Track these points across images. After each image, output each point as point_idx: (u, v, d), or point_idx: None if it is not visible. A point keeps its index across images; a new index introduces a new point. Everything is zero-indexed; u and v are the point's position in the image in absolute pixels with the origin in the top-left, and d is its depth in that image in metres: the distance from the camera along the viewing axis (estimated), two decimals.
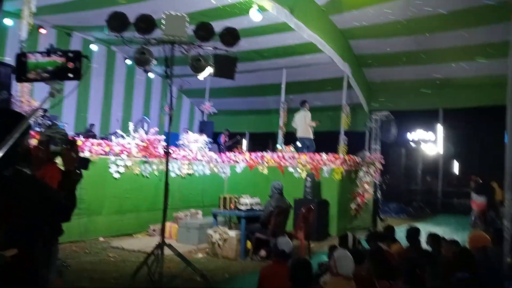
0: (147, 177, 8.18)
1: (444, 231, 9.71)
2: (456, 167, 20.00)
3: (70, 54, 2.10)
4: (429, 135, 15.47)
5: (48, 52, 2.13)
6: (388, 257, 4.64)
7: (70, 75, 2.09)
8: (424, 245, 5.56)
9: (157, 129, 9.57)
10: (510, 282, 4.34)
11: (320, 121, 11.08)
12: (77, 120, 12.40)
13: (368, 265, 4.01)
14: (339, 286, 3.38)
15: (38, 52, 2.13)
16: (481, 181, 11.34)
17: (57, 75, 2.10)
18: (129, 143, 7.99)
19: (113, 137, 9.97)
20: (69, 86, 2.40)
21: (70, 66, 2.09)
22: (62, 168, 2.50)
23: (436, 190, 16.33)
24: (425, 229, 8.93)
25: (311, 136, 10.84)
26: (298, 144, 10.98)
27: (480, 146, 18.66)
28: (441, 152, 15.89)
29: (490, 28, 9.81)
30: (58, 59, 2.10)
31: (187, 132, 10.93)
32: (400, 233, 5.80)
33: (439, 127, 15.59)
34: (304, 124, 10.77)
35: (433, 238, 5.35)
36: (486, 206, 10.51)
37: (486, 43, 10.49)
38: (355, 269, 3.56)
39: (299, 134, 10.89)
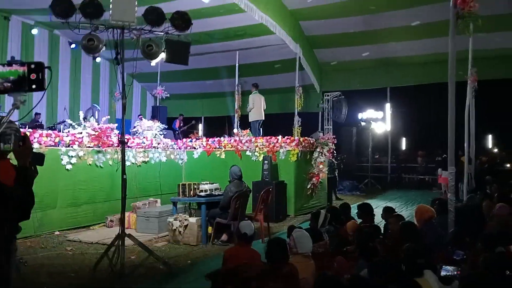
0: (101, 167, 8.01)
1: (395, 206, 10.32)
2: (403, 144, 21.08)
3: (32, 66, 2.12)
4: (378, 114, 16.13)
5: (10, 63, 2.14)
6: (343, 234, 4.94)
7: (34, 86, 2.12)
8: (379, 219, 5.94)
9: (108, 117, 9.37)
10: (453, 247, 4.75)
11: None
12: (21, 109, 11.75)
13: (325, 242, 4.24)
14: (299, 264, 3.57)
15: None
16: (445, 156, 11.98)
17: (20, 85, 2.12)
18: (80, 133, 7.76)
19: (61, 127, 9.67)
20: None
21: (33, 78, 2.10)
22: (15, 163, 2.45)
23: (386, 166, 17.18)
24: (377, 205, 9.47)
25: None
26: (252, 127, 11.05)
27: (425, 122, 19.74)
28: (389, 129, 16.64)
29: (432, 7, 10.32)
30: (19, 69, 2.11)
31: (141, 118, 10.73)
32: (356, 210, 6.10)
33: (387, 106, 16.28)
34: (261, 107, 10.97)
35: (386, 212, 5.70)
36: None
37: (429, 22, 11.02)
38: (313, 247, 3.77)
39: (257, 117, 10.93)
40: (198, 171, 9.85)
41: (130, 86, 15.09)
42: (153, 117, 12.59)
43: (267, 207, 7.21)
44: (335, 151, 11.65)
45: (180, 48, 5.91)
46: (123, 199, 5.06)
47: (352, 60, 13.98)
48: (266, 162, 8.84)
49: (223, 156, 9.86)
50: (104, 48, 5.23)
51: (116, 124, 8.52)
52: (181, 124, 14.13)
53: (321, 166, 10.01)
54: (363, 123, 16.53)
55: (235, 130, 11.34)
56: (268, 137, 9.65)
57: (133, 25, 5.15)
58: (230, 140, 10.04)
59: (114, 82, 13.58)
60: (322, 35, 12.63)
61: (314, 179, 9.73)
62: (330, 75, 14.86)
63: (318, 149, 10.04)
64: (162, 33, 5.47)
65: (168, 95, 13.79)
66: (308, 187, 9.65)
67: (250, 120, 11.10)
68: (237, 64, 12.55)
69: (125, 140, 5.40)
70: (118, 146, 7.82)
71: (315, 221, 4.99)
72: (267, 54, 12.71)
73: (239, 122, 12.26)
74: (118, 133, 7.80)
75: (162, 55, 5.65)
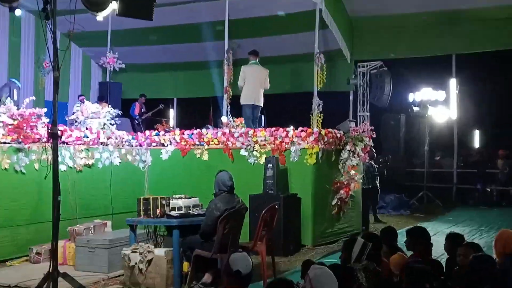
0: (22, 172, 8.02)
1: (463, 231, 10.33)
2: (476, 139, 21.08)
3: None
4: (438, 94, 16.09)
5: None
6: (385, 273, 4.94)
7: None
8: (440, 250, 5.94)
9: (33, 98, 9.36)
10: None
11: None
12: None
13: (358, 285, 4.25)
14: None
15: None
16: None
17: None
18: None
19: None
20: None
21: None
22: None
23: (450, 173, 17.18)
24: (436, 229, 9.47)
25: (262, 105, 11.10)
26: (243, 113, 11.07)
27: (509, 107, 19.73)
28: (455, 118, 16.64)
29: None
30: None
31: (83, 101, 10.75)
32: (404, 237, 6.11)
33: (452, 82, 16.27)
34: (259, 85, 10.93)
35: (453, 241, 5.68)
36: None
37: None
38: None
39: (249, 100, 10.91)
40: (168, 179, 9.90)
41: (67, 51, 15.10)
42: (100, 99, 12.59)
43: (272, 233, 7.22)
44: (374, 150, 11.65)
45: None
46: (55, 221, 5.06)
47: (399, 15, 13.96)
48: (270, 166, 8.85)
49: (205, 157, 9.88)
50: None
51: (45, 109, 8.52)
52: (143, 110, 14.15)
53: (352, 172, 10.02)
54: (415, 108, 16.52)
55: (223, 119, 11.34)
56: (274, 128, 9.67)
57: None
58: (216, 133, 10.05)
59: (42, 46, 13.58)
60: None
61: (342, 191, 9.75)
62: (367, 36, 14.83)
63: (348, 147, 10.05)
64: None
65: (124, 66, 13.80)
66: (333, 203, 9.67)
67: (241, 103, 11.04)
68: (226, 20, 12.52)
69: (59, 132, 5.41)
70: (48, 141, 7.82)
71: (347, 252, 4.96)
72: (271, 4, 12.69)
73: (229, 106, 12.26)
74: (48, 123, 7.79)
75: (114, 6, 5.66)
